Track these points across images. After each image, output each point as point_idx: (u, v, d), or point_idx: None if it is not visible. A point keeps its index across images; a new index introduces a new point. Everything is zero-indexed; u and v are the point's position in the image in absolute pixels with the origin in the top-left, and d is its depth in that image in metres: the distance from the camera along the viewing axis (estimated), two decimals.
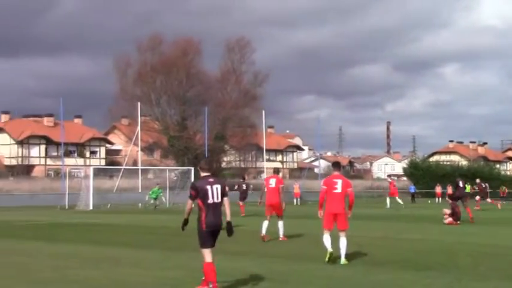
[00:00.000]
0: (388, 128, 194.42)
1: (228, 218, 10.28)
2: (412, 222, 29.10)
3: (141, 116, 63.34)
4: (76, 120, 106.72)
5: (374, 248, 16.98)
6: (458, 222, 26.41)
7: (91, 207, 44.31)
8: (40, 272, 12.72)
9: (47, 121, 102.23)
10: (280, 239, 19.15)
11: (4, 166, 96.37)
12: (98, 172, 59.45)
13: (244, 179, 38.41)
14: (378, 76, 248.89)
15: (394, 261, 14.20)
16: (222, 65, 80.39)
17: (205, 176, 10.40)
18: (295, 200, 54.35)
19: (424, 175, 75.94)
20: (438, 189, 68.63)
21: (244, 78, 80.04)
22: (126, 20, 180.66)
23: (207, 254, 10.24)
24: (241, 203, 35.80)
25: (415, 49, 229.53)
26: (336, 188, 14.10)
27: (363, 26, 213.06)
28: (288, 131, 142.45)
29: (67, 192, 49.10)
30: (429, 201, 64.35)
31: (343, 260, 13.67)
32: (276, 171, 21.78)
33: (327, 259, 13.69)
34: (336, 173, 14.63)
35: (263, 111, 70.38)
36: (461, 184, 32.13)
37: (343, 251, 13.76)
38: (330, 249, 13.78)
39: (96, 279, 11.78)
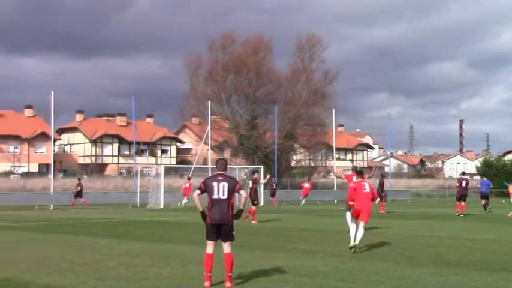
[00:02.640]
0: (460, 126, 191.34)
1: (241, 207, 11.22)
2: (485, 222, 28.51)
3: (211, 115, 63.72)
4: (148, 120, 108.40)
5: (445, 248, 16.73)
6: None
7: (162, 206, 44.82)
8: (112, 268, 12.96)
9: (119, 120, 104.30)
10: None
11: (78, 164, 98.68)
12: (169, 171, 60.29)
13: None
14: (453, 73, 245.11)
15: (466, 261, 13.93)
16: (291, 63, 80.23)
17: (217, 174, 11.10)
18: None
19: (498, 174, 74.18)
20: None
21: (314, 77, 79.60)
22: (198, 18, 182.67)
23: (208, 246, 10.86)
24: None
25: (493, 45, 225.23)
26: (364, 188, 16.75)
27: (440, 22, 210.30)
28: (358, 130, 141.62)
29: (139, 191, 49.89)
30: (503, 201, 62.90)
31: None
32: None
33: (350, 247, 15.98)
34: (360, 179, 17.22)
35: (333, 110, 69.95)
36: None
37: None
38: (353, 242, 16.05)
39: (166, 276, 11.93)
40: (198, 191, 11.11)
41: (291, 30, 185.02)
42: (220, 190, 10.84)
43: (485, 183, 39.75)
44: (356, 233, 16.09)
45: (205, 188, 10.96)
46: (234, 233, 11.02)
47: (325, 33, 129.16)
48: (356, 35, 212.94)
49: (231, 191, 10.90)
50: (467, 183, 34.50)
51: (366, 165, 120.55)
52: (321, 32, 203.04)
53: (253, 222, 26.77)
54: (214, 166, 11.66)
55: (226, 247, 10.83)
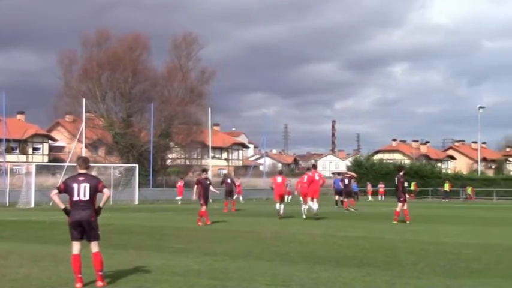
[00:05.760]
0: (333, 126, 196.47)
1: (100, 205, 10.74)
2: (356, 219, 29.42)
3: (85, 112, 62.54)
4: (19, 116, 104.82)
5: (316, 246, 17.14)
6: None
7: (32, 205, 43.65)
8: None
9: None
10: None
11: None
12: (41, 169, 58.60)
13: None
14: (329, 74, 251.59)
15: (336, 258, 14.33)
16: (168, 62, 79.88)
17: (78, 173, 10.76)
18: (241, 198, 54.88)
19: (367, 173, 76.81)
20: (381, 188, 69.89)
21: (191, 75, 79.57)
22: (75, 14, 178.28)
23: (74, 247, 10.63)
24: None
25: (367, 47, 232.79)
26: (315, 178, 28.32)
27: (318, 23, 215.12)
28: (233, 129, 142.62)
29: (8, 190, 48.29)
30: (372, 199, 65.24)
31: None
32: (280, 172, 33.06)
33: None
34: (313, 170, 29.37)
35: (209, 109, 70.29)
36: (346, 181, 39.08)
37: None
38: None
39: (36, 277, 11.61)
40: (56, 191, 10.69)
41: (170, 28, 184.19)
42: (81, 191, 10.51)
43: (337, 181, 42.60)
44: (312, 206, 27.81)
45: (65, 189, 10.59)
46: (99, 232, 10.77)
47: (204, 32, 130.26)
48: (235, 34, 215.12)
49: (94, 191, 10.59)
50: (349, 181, 38.27)
51: (241, 164, 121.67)
52: (201, 30, 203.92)
53: (207, 223, 25.40)
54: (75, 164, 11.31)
55: (93, 247, 10.61)
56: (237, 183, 56.58)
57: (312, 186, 28.36)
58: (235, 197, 40.36)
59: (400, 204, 26.36)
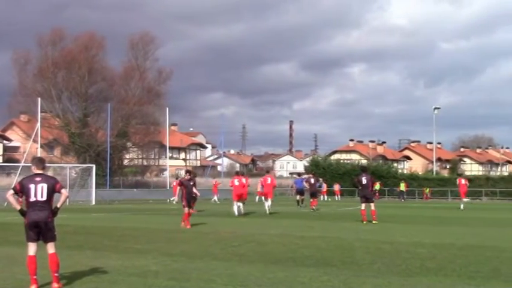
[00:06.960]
0: (290, 127, 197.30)
1: (58, 205, 10.56)
2: (313, 219, 29.57)
3: (41, 112, 61.82)
4: None
5: (273, 246, 17.18)
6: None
7: None
8: None
9: None
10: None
11: None
12: None
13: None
14: (288, 75, 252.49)
15: (293, 258, 14.40)
16: (125, 61, 79.58)
17: (35, 174, 10.57)
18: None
19: (325, 173, 77.23)
20: (336, 187, 70.50)
21: (148, 75, 79.42)
22: (32, 12, 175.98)
23: (30, 248, 10.45)
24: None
25: (325, 48, 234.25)
26: (267, 181, 33.68)
27: (276, 23, 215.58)
28: (191, 129, 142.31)
29: None
30: (329, 199, 65.62)
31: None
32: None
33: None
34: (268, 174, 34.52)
35: (167, 109, 70.07)
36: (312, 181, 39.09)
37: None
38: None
39: None
40: (11, 191, 10.46)
41: (127, 28, 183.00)
42: (38, 192, 10.33)
43: (299, 181, 43.01)
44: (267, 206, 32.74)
45: (21, 190, 10.38)
46: (55, 233, 10.63)
47: (161, 32, 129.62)
48: (193, 34, 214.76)
49: (51, 192, 10.44)
50: (315, 181, 39.55)
51: (199, 164, 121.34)
52: (158, 30, 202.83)
53: (187, 226, 24.11)
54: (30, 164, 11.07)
55: (50, 248, 10.47)
56: (214, 183, 58.12)
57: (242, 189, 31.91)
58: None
59: (373, 204, 26.91)
